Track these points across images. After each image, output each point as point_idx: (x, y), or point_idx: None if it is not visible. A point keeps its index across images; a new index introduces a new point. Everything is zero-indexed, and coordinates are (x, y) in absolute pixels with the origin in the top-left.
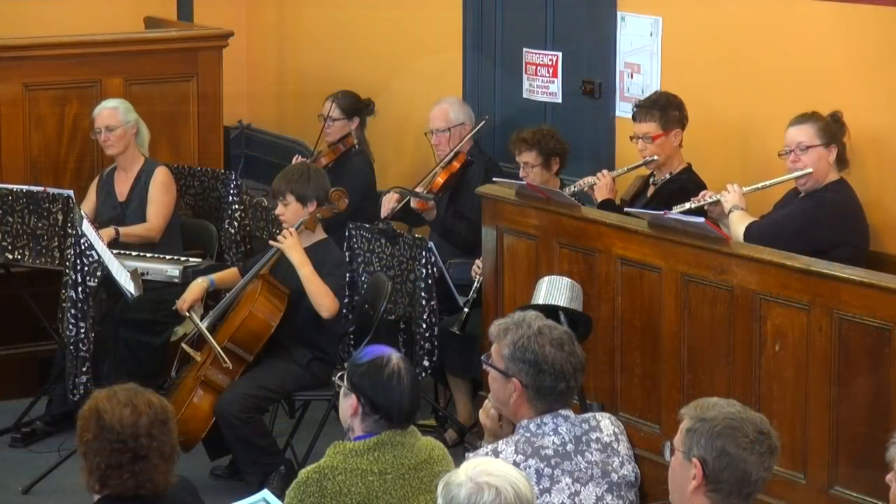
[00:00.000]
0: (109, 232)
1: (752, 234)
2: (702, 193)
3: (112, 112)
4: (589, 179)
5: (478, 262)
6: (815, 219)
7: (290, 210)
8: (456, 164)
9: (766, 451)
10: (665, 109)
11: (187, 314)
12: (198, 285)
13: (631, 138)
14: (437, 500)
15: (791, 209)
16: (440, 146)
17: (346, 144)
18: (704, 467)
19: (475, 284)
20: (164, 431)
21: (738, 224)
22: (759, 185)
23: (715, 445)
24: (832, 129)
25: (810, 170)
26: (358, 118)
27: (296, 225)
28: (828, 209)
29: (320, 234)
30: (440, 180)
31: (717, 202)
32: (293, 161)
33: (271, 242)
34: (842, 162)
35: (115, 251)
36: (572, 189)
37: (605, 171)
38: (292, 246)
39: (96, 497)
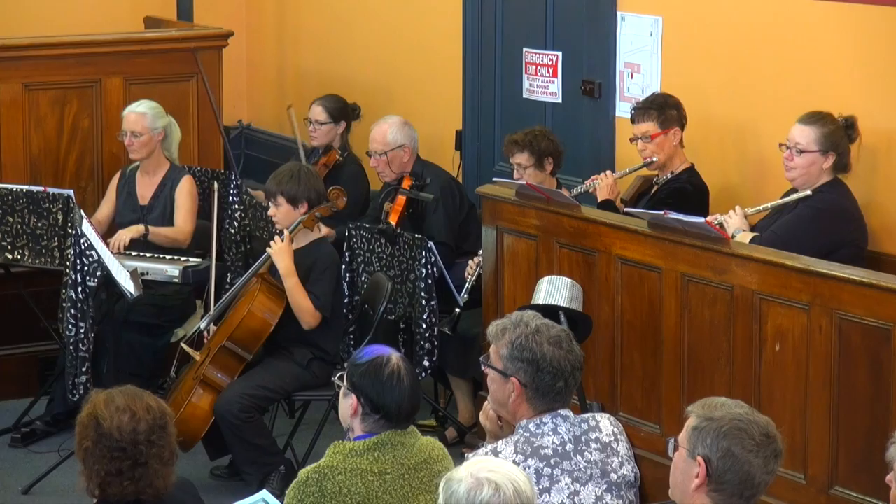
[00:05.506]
0: (139, 228)
1: None
2: (707, 219)
3: (139, 118)
4: (594, 179)
5: (471, 262)
6: (812, 225)
7: (281, 211)
8: (401, 199)
9: (770, 454)
10: (663, 108)
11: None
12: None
13: (631, 140)
14: (438, 497)
15: (788, 218)
16: (378, 168)
17: (330, 160)
18: (709, 466)
19: (467, 285)
20: (163, 436)
21: None
22: (761, 207)
23: (721, 446)
24: (836, 136)
25: (798, 171)
26: (344, 122)
27: (294, 224)
28: (824, 213)
29: (319, 233)
30: (392, 221)
31: (721, 225)
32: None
33: (268, 250)
34: (842, 167)
35: (115, 252)
36: (577, 191)
37: (608, 172)
38: (279, 252)
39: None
